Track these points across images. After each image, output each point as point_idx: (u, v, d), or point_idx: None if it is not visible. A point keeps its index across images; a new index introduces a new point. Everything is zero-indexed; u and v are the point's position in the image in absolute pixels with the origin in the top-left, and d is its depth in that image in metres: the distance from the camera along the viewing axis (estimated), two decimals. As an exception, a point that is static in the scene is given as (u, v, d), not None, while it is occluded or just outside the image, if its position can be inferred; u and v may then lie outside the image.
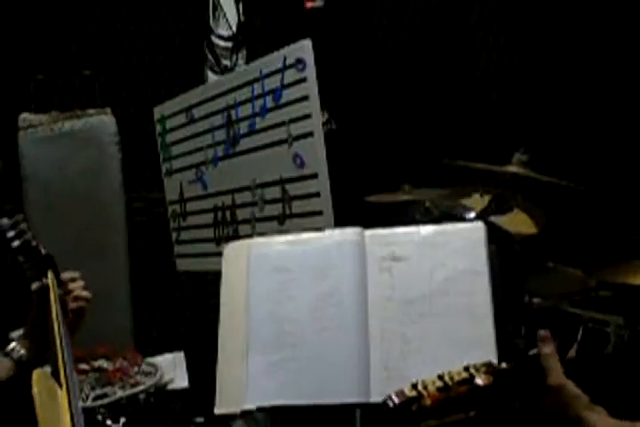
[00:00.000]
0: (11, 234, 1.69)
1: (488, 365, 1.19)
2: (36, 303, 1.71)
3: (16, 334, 1.77)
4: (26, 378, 1.41)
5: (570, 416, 1.22)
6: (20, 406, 1.43)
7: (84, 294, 1.78)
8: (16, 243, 1.69)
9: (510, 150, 2.48)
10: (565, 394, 1.23)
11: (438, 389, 1.14)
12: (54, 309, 1.62)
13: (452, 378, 1.15)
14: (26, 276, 1.71)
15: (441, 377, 1.16)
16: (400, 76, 3.70)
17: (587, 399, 1.24)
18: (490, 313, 1.46)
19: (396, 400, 1.13)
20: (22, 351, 1.70)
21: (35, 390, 1.30)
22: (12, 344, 1.72)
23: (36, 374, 1.36)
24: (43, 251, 1.73)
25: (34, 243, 1.71)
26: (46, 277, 1.69)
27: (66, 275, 1.77)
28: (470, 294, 1.48)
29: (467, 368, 1.18)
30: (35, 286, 1.70)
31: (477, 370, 1.17)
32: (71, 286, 1.76)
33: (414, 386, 1.14)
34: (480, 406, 1.17)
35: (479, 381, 1.16)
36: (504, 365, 1.21)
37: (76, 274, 1.80)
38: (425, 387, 1.14)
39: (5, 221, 1.70)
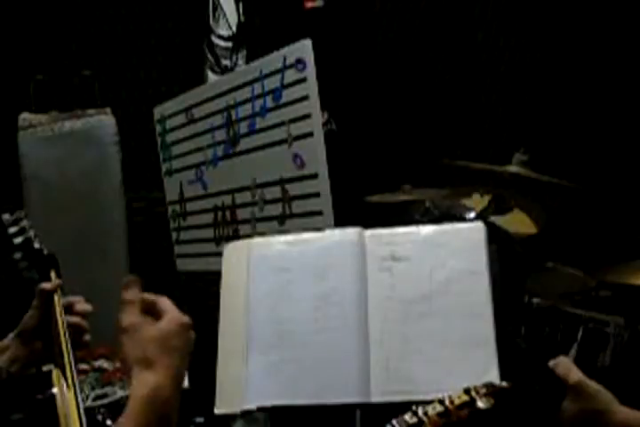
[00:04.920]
0: (13, 230, 1.66)
1: (488, 386, 1.17)
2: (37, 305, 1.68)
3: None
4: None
5: (595, 411, 1.19)
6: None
7: (84, 307, 1.70)
8: (19, 239, 1.66)
9: (510, 150, 2.48)
10: (588, 390, 1.20)
11: (439, 414, 1.13)
12: (58, 309, 1.60)
13: (452, 402, 1.14)
14: (22, 275, 1.67)
15: (441, 401, 1.14)
16: (400, 77, 3.70)
17: (611, 395, 1.21)
18: (490, 313, 1.46)
19: None
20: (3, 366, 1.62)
21: (55, 389, 1.30)
22: None
23: (55, 372, 1.35)
24: (45, 250, 1.70)
25: (35, 242, 1.68)
26: (49, 277, 1.66)
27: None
28: (470, 294, 1.48)
29: (467, 391, 1.16)
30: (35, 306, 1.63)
31: (478, 392, 1.16)
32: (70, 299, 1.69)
33: (415, 413, 1.13)
34: None
35: (480, 404, 1.14)
36: (504, 384, 1.19)
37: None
38: (425, 413, 1.13)
39: (7, 216, 1.67)
